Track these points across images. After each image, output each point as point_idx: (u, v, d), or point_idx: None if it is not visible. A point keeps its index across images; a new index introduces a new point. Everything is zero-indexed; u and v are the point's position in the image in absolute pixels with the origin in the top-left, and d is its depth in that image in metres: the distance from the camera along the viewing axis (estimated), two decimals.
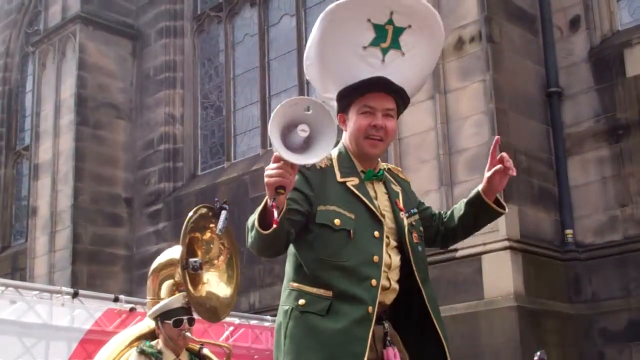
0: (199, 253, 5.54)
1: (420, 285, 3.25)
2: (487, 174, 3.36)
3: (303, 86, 12.69)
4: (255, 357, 8.21)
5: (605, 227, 9.55)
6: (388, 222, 3.26)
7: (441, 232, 3.58)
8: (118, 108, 15.10)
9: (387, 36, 3.28)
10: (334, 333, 3.03)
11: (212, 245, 5.59)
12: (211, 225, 5.47)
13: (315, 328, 3.05)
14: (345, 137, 3.35)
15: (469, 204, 3.47)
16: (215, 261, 5.62)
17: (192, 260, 5.25)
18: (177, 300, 5.38)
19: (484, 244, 8.91)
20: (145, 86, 15.17)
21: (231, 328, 8.04)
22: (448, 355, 3.24)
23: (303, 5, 13.43)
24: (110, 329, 7.13)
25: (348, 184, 3.23)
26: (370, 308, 3.07)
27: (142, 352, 5.31)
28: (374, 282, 3.11)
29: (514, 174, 3.35)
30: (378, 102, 3.26)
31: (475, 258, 9.02)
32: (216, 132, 14.43)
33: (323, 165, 3.23)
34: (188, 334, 5.34)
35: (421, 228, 3.43)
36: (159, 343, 5.42)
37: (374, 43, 3.28)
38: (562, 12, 10.26)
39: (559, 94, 10.04)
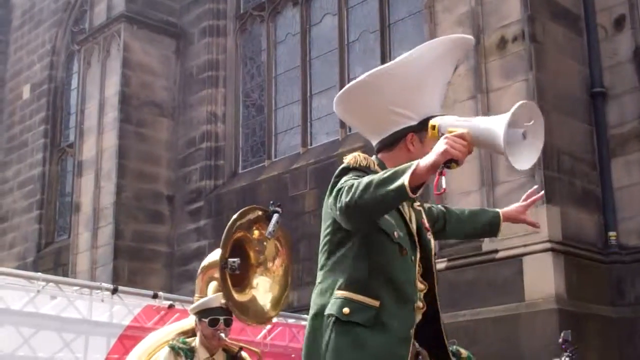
0: (252, 254, 5.51)
1: (439, 310, 3.29)
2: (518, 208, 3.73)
3: (344, 85, 12.66)
4: (293, 356, 8.19)
5: None
6: (418, 245, 3.28)
7: (443, 229, 3.73)
8: (161, 106, 15.21)
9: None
10: (378, 351, 3.00)
11: (265, 244, 5.53)
12: (260, 224, 5.42)
13: (359, 343, 3.01)
14: (397, 155, 3.29)
15: (488, 213, 3.79)
16: (270, 264, 5.56)
17: (231, 260, 5.17)
18: (216, 299, 5.38)
19: (525, 246, 8.81)
20: (188, 85, 15.26)
21: (268, 326, 8.03)
22: None
23: (345, 5, 13.42)
24: (149, 325, 7.17)
25: None
26: (411, 331, 3.11)
27: (172, 349, 5.33)
28: (415, 305, 3.16)
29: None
30: None
31: (516, 259, 8.92)
32: (257, 130, 14.48)
33: None
34: (223, 334, 5.35)
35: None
36: (195, 340, 5.44)
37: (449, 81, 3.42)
38: (606, 12, 10.12)
39: (603, 94, 9.90)
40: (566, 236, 9.01)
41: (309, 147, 13.34)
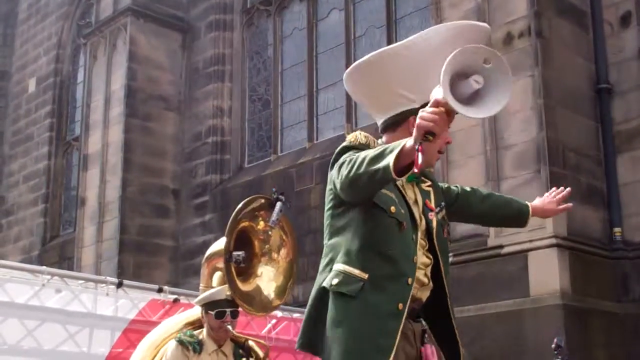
0: (256, 243, 5.49)
1: (447, 288, 3.32)
2: (549, 206, 3.76)
3: None
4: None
5: None
6: (422, 225, 3.29)
7: (470, 213, 3.72)
8: (167, 100, 15.19)
9: None
10: (362, 324, 3.03)
11: (270, 234, 5.51)
12: (262, 212, 5.41)
13: (345, 315, 3.06)
14: (399, 137, 3.22)
15: (515, 203, 3.76)
16: (275, 254, 5.56)
17: (235, 253, 5.16)
18: (222, 291, 5.33)
19: (531, 241, 8.81)
20: (194, 79, 15.25)
21: (273, 321, 8.05)
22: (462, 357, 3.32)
23: (352, 0, 13.40)
24: (153, 319, 7.18)
25: (397, 182, 3.22)
26: (400, 305, 3.08)
27: (180, 343, 5.29)
28: (409, 280, 3.14)
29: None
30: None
31: (522, 255, 8.93)
32: (263, 125, 14.47)
33: None
34: (230, 326, 5.32)
35: (446, 218, 3.47)
36: (202, 332, 5.43)
37: None
38: (612, 8, 10.10)
39: (608, 90, 9.89)
40: (571, 232, 9.01)
41: (315, 141, 13.34)
